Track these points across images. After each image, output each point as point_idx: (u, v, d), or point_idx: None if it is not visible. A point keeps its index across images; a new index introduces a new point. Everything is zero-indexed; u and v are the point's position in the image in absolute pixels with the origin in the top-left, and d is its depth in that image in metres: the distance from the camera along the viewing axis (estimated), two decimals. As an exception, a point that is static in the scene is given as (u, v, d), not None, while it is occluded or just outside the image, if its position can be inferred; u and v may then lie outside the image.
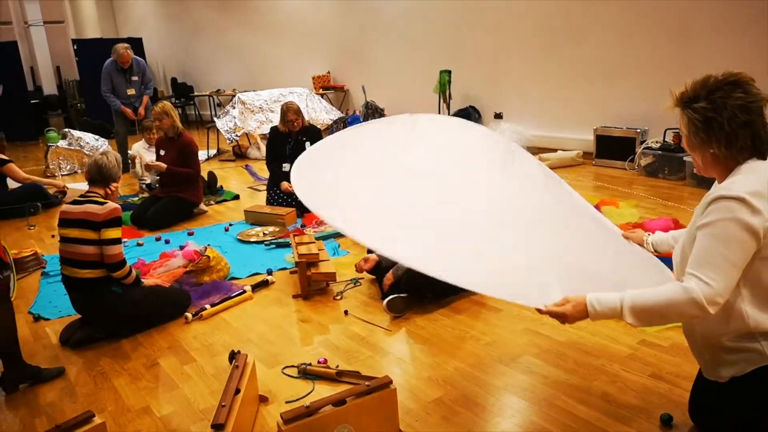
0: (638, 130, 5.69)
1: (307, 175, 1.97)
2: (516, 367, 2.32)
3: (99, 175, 2.82)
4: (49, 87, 12.30)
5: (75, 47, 11.17)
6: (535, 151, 6.47)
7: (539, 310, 1.62)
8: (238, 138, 7.50)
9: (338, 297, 3.15)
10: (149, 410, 2.21)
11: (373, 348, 2.58)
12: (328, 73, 9.68)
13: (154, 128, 5.74)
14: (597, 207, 4.23)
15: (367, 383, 1.89)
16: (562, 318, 1.59)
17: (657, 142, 5.51)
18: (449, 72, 7.24)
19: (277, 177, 4.97)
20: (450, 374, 2.31)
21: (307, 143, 4.93)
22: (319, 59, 9.72)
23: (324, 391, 2.23)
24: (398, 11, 8.09)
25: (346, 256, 3.80)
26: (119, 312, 2.79)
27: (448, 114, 7.31)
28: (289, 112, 4.86)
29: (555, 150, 6.36)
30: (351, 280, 3.35)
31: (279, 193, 4.90)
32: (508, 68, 6.98)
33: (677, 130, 5.25)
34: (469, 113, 7.38)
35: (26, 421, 2.21)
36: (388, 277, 2.97)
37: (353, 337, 2.69)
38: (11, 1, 12.20)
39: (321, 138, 5.18)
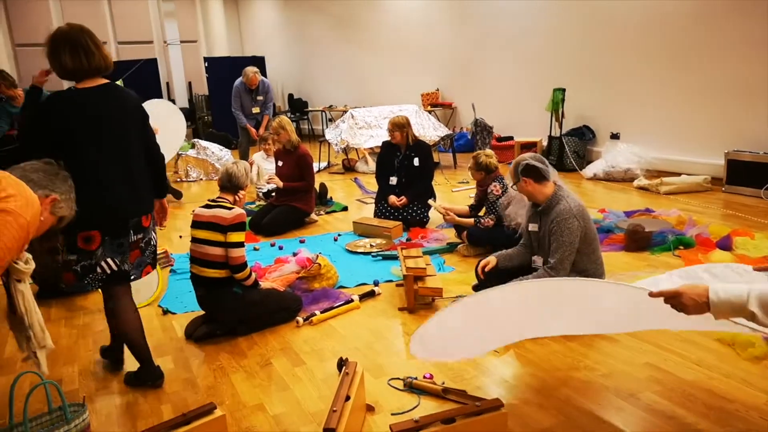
0: (778, 155, 5.17)
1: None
2: (636, 404, 2.17)
3: (229, 183, 3.02)
4: (181, 100, 13.45)
5: (206, 64, 12.16)
6: (656, 174, 6.08)
7: (651, 293, 1.54)
8: (343, 149, 7.75)
9: (444, 313, 3.12)
10: (263, 408, 2.31)
11: (480, 368, 2.53)
12: (437, 90, 9.75)
13: (270, 140, 6.20)
14: (728, 237, 3.88)
15: (477, 404, 1.85)
16: (678, 299, 1.49)
17: (801, 168, 4.97)
18: (563, 90, 7.02)
19: (385, 191, 5.05)
20: (562, 404, 2.20)
21: (416, 159, 4.97)
22: (429, 76, 9.82)
23: (429, 406, 2.22)
24: (513, 29, 7.99)
25: (451, 273, 3.78)
26: (238, 311, 2.96)
27: (560, 132, 7.07)
28: (389, 123, 4.97)
29: (679, 174, 5.93)
30: (457, 297, 3.31)
31: (386, 206, 4.98)
32: (627, 86, 6.64)
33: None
34: (583, 133, 7.10)
35: (154, 406, 2.39)
36: None
37: (459, 355, 2.65)
38: (154, 23, 13.55)
39: (430, 154, 5.25)
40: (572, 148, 6.98)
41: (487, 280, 2.98)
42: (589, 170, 6.64)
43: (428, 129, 7.57)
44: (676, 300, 1.50)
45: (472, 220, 4.10)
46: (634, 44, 6.46)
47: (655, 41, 6.24)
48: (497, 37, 8.27)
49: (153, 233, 2.56)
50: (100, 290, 2.50)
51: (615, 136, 6.87)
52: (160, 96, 11.67)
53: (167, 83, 13.37)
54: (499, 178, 3.97)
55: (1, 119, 4.70)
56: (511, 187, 3.00)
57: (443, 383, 2.34)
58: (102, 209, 2.32)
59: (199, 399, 2.39)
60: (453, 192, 6.33)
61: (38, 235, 1.71)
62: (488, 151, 4.15)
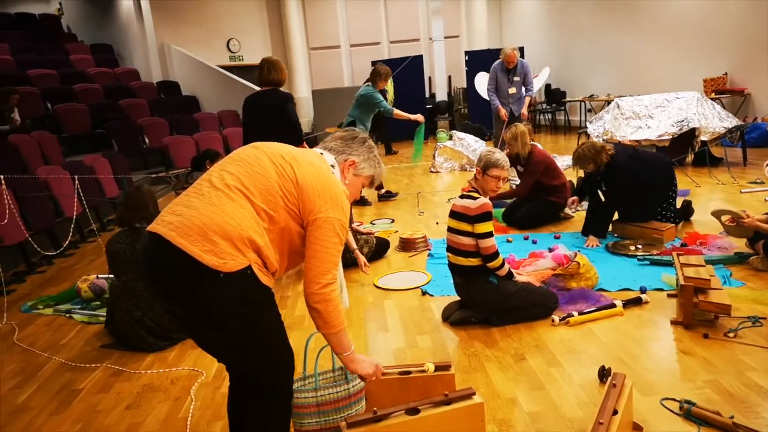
0: None
1: None
2: None
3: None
4: (441, 94, 14.11)
5: (466, 58, 12.51)
6: None
7: None
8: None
9: (731, 335, 2.66)
10: (516, 402, 2.27)
11: (781, 407, 2.09)
12: (725, 74, 8.38)
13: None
14: None
15: (786, 451, 1.52)
16: None
17: None
18: None
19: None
20: None
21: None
22: (714, 59, 8.49)
23: (712, 440, 1.91)
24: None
25: (740, 288, 3.21)
26: (493, 301, 2.97)
27: None
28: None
29: None
30: (749, 317, 2.79)
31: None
32: None
33: None
34: None
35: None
36: None
37: (752, 386, 2.23)
38: (421, 21, 14.43)
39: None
40: None
41: None
42: None
43: (712, 120, 6.55)
44: None
45: (774, 228, 3.41)
46: None
47: None
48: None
49: None
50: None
51: None
52: (422, 89, 12.43)
53: (429, 78, 14.12)
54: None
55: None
56: None
57: (732, 417, 1.99)
58: None
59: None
60: (742, 193, 5.39)
61: (354, 198, 1.92)
62: None
